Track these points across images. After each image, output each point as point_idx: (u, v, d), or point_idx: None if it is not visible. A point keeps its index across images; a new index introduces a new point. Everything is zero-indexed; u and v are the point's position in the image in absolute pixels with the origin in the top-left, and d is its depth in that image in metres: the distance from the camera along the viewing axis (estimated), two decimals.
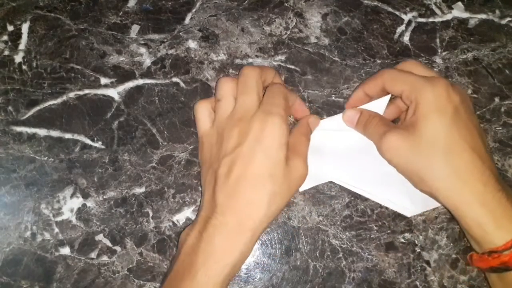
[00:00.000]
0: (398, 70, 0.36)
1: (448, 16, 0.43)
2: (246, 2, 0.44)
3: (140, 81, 0.42)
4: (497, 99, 0.41)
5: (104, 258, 0.38)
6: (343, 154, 0.39)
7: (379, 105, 0.38)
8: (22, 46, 0.42)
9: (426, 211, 0.38)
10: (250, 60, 0.42)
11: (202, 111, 0.37)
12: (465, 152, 0.32)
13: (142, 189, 0.39)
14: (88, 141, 0.40)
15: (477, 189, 0.31)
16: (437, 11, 0.43)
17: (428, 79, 0.34)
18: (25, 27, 0.43)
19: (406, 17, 0.43)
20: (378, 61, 0.42)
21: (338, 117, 0.39)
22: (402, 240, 0.38)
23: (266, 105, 0.34)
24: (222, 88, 0.36)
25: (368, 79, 0.38)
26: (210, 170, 0.34)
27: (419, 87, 0.33)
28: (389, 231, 0.39)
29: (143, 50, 0.42)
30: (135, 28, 0.43)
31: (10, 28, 0.43)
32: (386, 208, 0.39)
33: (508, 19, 0.43)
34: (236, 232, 0.32)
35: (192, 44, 0.43)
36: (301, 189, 0.38)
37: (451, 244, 0.38)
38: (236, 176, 0.32)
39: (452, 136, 0.32)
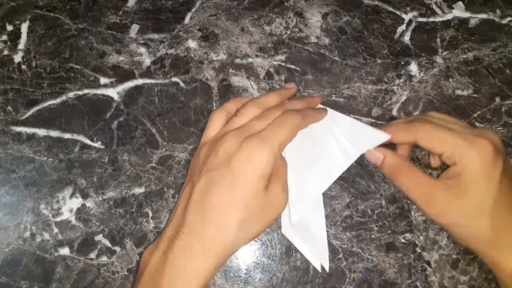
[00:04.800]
0: (433, 125, 0.34)
1: (449, 16, 0.43)
2: (246, 1, 0.44)
3: (139, 81, 0.42)
4: (497, 99, 0.41)
5: (104, 258, 0.38)
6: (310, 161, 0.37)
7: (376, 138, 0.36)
8: (21, 45, 0.42)
9: None
10: (250, 60, 0.42)
11: (218, 119, 0.36)
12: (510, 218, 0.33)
13: (142, 189, 0.39)
14: (88, 141, 0.40)
15: None
16: (438, 10, 0.43)
17: (471, 141, 0.33)
18: (24, 27, 0.43)
19: (406, 17, 0.43)
20: (379, 61, 0.42)
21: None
22: (403, 241, 0.38)
23: (268, 131, 0.33)
24: (248, 109, 0.35)
25: (397, 126, 0.36)
26: (191, 181, 0.33)
27: (463, 151, 0.33)
28: (389, 232, 0.39)
29: (142, 49, 0.42)
30: (134, 28, 0.43)
31: (10, 27, 0.43)
32: (387, 208, 0.39)
33: (509, 18, 0.43)
34: (202, 256, 0.31)
35: (192, 43, 0.42)
36: (292, 221, 0.36)
37: (452, 245, 0.38)
38: (211, 198, 0.32)
39: (499, 202, 0.33)
